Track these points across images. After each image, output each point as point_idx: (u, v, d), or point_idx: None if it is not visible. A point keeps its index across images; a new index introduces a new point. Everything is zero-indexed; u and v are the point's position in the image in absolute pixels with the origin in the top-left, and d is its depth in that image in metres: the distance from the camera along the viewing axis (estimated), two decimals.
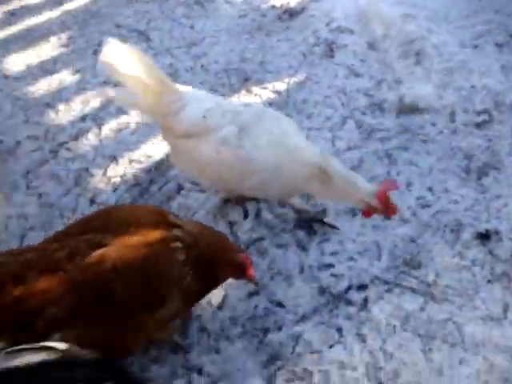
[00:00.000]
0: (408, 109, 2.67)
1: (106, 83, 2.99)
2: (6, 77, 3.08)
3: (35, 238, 2.39)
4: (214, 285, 1.87)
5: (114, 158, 2.65)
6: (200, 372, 1.93)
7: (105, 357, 1.84)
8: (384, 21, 2.95)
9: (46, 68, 3.11)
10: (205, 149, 2.01)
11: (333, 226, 2.33)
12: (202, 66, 3.01)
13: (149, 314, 1.69)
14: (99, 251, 1.59)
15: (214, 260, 1.78)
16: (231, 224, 2.38)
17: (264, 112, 2.07)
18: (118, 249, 1.60)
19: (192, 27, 3.27)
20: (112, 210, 1.84)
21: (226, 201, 2.42)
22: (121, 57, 2.02)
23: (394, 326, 2.01)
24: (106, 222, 1.68)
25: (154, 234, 1.68)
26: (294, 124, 2.10)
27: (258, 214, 2.39)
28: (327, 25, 3.14)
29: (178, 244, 1.71)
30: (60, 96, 2.96)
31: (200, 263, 1.75)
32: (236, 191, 2.25)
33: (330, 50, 3.03)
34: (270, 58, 3.04)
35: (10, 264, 1.58)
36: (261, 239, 2.31)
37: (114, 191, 2.53)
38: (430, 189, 2.41)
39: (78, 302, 1.54)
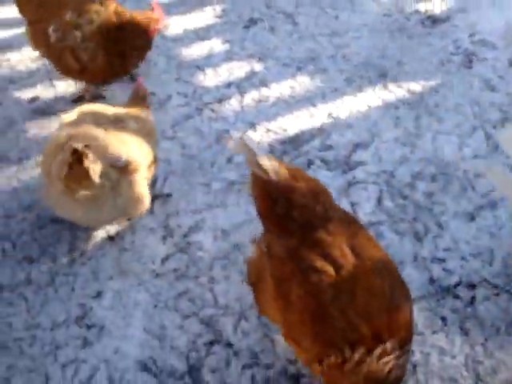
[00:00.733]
0: None
1: (252, 56, 3.23)
2: (164, 37, 3.39)
3: (175, 183, 2.68)
4: None
5: (252, 125, 2.89)
6: None
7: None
8: None
9: (200, 34, 3.39)
10: None
11: None
12: (344, 56, 3.19)
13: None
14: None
15: None
16: (353, 204, 2.56)
17: None
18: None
19: (337, 18, 3.45)
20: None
21: None
22: None
23: (499, 327, 2.12)
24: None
25: None
26: None
27: (379, 201, 2.56)
28: (470, 36, 3.23)
29: None
30: (209, 61, 3.23)
31: None
32: None
33: (469, 61, 3.12)
34: (407, 60, 3.17)
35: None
36: (379, 223, 2.48)
37: None
38: None
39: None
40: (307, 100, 3.00)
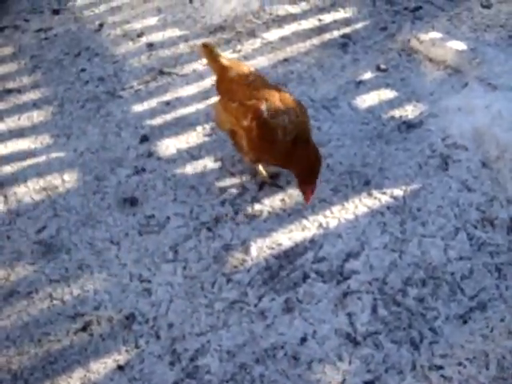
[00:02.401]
0: None
1: (243, 172, 3.45)
2: (159, 158, 3.63)
3: (180, 305, 2.81)
4: None
5: (248, 241, 3.06)
6: None
7: None
8: (499, 144, 3.25)
9: (193, 154, 3.62)
10: None
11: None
12: (328, 165, 3.42)
13: None
14: None
15: None
16: (350, 315, 2.68)
17: None
18: None
19: (319, 129, 3.71)
20: None
21: None
22: None
23: None
24: None
25: None
26: None
27: (374, 310, 2.69)
28: (443, 140, 3.47)
29: None
30: (203, 180, 3.45)
31: None
32: None
33: (445, 164, 3.34)
34: (388, 165, 3.39)
35: None
36: (377, 333, 2.60)
37: (248, 272, 2.92)
38: None
39: None
40: (298, 213, 3.18)
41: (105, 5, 5.19)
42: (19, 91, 4.35)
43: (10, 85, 4.43)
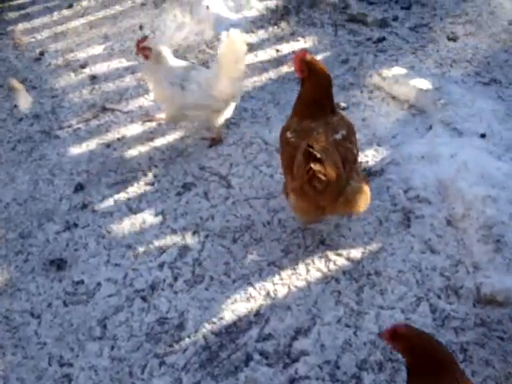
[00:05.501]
0: (485, 299, 2.62)
1: (185, 229, 3.11)
2: (94, 211, 3.26)
3: None
4: None
5: (186, 314, 2.71)
6: None
7: None
8: (464, 200, 2.96)
9: (131, 206, 3.27)
10: None
11: None
12: (280, 221, 3.10)
13: None
14: None
15: None
16: None
17: None
18: None
19: (272, 176, 3.39)
20: None
21: None
22: None
23: None
24: None
25: None
26: None
27: None
28: (405, 192, 3.17)
29: None
30: (142, 238, 3.10)
31: None
32: None
33: (407, 220, 3.05)
34: (345, 221, 3.09)
35: None
36: None
37: (184, 352, 2.57)
38: None
39: None
40: (243, 278, 2.85)
41: (48, 30, 4.83)
42: None
43: None
